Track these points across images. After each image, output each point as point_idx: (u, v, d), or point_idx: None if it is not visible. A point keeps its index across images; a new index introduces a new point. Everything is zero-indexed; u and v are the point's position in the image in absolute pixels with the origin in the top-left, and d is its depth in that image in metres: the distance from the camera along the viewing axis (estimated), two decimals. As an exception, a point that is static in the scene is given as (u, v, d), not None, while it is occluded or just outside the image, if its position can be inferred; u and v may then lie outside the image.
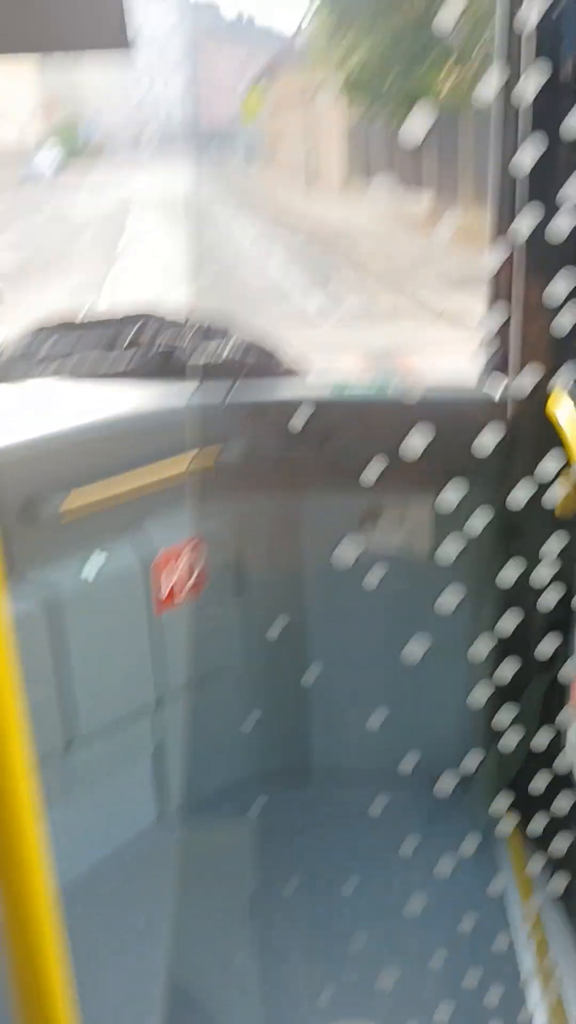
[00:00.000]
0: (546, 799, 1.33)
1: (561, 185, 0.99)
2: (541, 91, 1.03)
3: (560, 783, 1.36)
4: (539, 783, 1.29)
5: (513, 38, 1.53)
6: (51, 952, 0.78)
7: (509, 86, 1.57)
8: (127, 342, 2.07)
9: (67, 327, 2.18)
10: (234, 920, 1.91)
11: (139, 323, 2.18)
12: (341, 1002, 1.61)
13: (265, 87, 30.02)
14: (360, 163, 20.47)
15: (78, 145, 41.06)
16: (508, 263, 1.68)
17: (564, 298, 1.07)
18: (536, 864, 1.38)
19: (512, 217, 1.66)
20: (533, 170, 1.08)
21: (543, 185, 1.22)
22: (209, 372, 1.96)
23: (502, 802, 1.34)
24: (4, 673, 0.72)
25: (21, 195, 25.00)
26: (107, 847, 2.03)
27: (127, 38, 0.77)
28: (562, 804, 1.32)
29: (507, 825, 1.33)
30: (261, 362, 2.02)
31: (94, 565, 1.81)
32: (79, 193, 25.00)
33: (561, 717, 1.64)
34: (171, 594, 1.95)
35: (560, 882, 1.35)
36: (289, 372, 2.05)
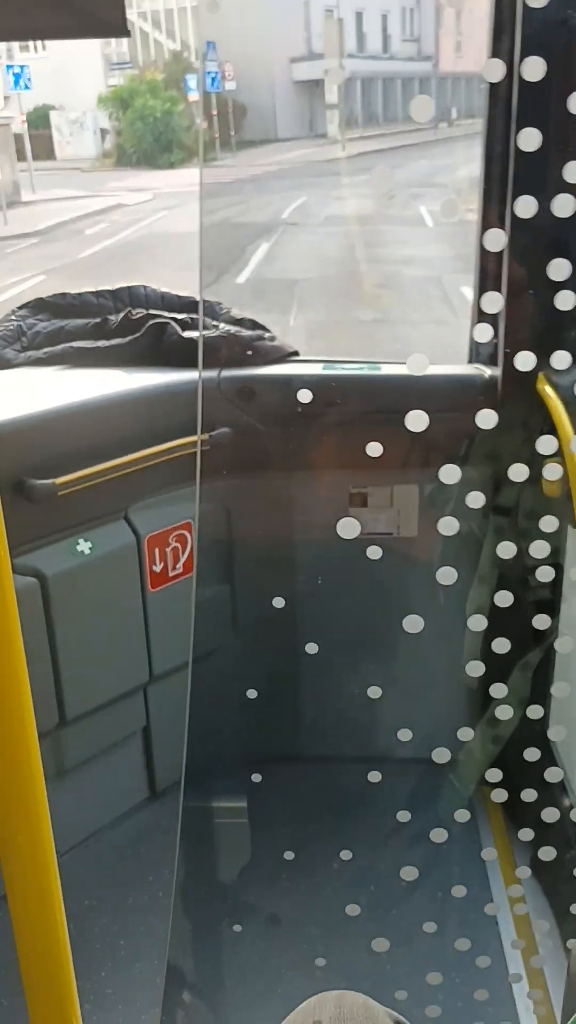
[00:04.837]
0: (533, 774, 1.37)
1: (557, 170, 0.99)
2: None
3: (546, 758, 1.40)
4: (527, 758, 1.33)
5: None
6: (53, 917, 0.81)
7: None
8: (118, 321, 2.06)
9: (59, 298, 2.16)
10: (228, 893, 1.95)
11: (131, 294, 2.17)
12: (335, 967, 1.66)
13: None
14: None
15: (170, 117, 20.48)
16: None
17: (555, 281, 1.08)
18: (520, 836, 1.42)
19: (504, 202, 1.66)
20: (528, 155, 1.08)
21: (538, 171, 1.22)
22: (199, 350, 1.96)
23: (491, 776, 1.38)
24: (9, 650, 0.74)
25: None
26: (100, 822, 2.06)
27: (125, 26, 0.78)
28: (547, 778, 1.36)
29: (495, 798, 1.37)
30: (253, 342, 2.02)
31: (87, 543, 1.82)
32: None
33: (549, 693, 1.67)
34: (164, 572, 1.97)
35: (545, 853, 1.40)
36: (281, 352, 2.05)
